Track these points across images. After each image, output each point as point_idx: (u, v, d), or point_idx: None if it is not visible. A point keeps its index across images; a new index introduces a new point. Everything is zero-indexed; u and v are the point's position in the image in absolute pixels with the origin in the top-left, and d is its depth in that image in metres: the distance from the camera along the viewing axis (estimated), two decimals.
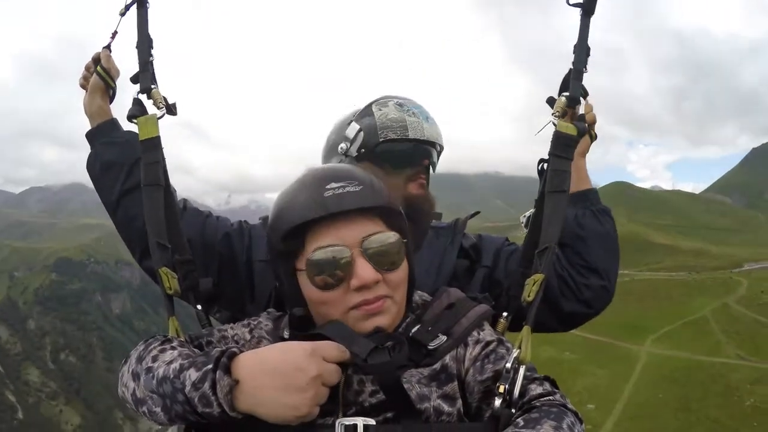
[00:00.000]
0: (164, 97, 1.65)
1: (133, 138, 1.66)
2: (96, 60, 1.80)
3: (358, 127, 1.76)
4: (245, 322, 1.34)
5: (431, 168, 1.84)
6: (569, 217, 1.72)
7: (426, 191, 1.79)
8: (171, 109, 1.67)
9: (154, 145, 1.57)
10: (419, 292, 1.37)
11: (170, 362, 1.09)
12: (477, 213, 2.00)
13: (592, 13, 1.58)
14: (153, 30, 1.66)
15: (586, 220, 1.75)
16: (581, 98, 1.58)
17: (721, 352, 54.61)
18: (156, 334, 1.26)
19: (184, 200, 1.80)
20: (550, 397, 1.10)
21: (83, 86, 1.84)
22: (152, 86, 1.64)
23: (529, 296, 1.36)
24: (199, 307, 1.51)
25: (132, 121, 1.62)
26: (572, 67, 1.57)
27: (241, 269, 1.72)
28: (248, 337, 1.29)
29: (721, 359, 52.88)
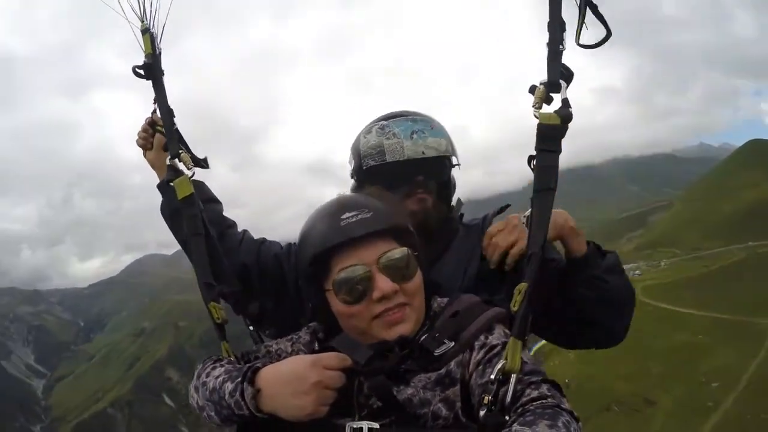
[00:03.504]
0: (191, 156, 1.87)
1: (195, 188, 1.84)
2: (152, 123, 2.06)
3: (350, 154, 1.94)
4: (290, 336, 1.58)
5: (434, 180, 1.84)
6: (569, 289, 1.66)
7: (426, 205, 1.80)
8: (202, 164, 1.91)
9: (191, 202, 1.80)
10: (439, 299, 1.49)
11: (218, 377, 1.38)
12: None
13: None
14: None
15: (581, 291, 1.65)
16: (562, 81, 1.40)
17: None
18: (211, 355, 1.56)
19: (244, 231, 2.08)
20: (543, 400, 1.12)
21: (142, 146, 2.12)
22: (180, 151, 1.86)
23: (514, 306, 1.32)
24: (251, 327, 1.79)
25: (170, 184, 1.85)
26: (547, 48, 1.40)
27: (291, 287, 1.93)
28: (290, 350, 1.53)
29: None
